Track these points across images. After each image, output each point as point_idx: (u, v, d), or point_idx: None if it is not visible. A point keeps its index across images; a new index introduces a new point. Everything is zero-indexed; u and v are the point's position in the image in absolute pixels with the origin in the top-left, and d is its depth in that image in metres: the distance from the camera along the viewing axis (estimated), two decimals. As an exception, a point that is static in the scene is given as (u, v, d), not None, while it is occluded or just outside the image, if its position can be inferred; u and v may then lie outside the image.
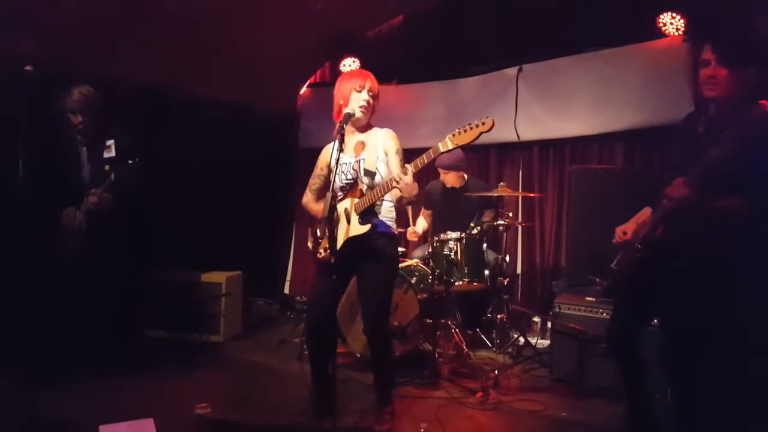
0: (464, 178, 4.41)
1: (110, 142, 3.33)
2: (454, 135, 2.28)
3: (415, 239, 4.50)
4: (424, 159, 2.35)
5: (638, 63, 4.34)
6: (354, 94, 2.62)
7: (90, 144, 3.42)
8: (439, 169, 4.31)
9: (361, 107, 2.61)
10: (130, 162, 3.18)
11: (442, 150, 2.30)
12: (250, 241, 5.31)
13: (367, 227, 2.51)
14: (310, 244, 2.72)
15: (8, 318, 3.23)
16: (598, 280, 2.63)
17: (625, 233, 2.33)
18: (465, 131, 2.26)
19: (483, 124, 2.24)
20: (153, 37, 4.13)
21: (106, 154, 3.34)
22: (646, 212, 2.35)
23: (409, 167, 2.36)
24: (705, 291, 2.07)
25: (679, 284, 2.14)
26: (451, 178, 4.33)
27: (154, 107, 4.31)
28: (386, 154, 2.64)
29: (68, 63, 3.66)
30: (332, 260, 2.42)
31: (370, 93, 2.63)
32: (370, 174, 2.59)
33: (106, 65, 3.53)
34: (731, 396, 2.39)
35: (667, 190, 2.04)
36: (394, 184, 2.39)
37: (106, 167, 3.26)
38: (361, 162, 2.63)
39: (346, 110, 2.59)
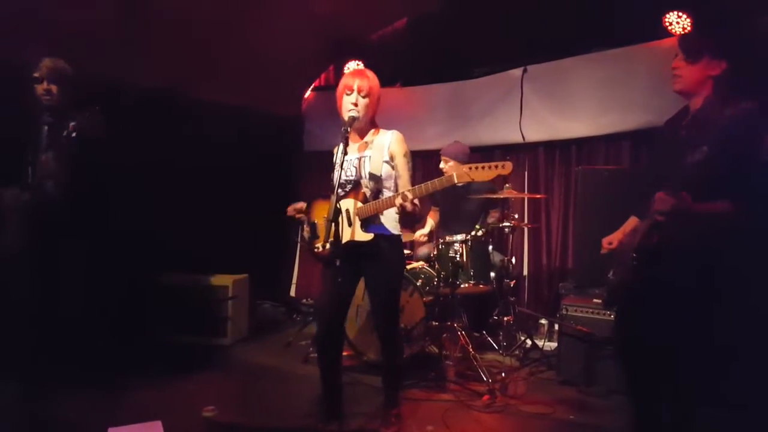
0: None
1: (73, 124, 2.99)
2: (471, 168, 2.30)
3: (424, 240, 4.49)
4: (437, 185, 2.36)
5: (644, 63, 4.31)
6: (344, 98, 2.61)
7: (54, 122, 3.08)
8: (443, 157, 4.29)
9: (350, 111, 2.57)
10: (89, 113, 2.90)
11: (456, 182, 2.32)
12: (256, 243, 5.33)
13: (369, 236, 2.52)
14: (306, 235, 2.72)
15: (17, 320, 3.26)
16: (597, 291, 2.65)
17: (610, 243, 2.42)
18: (483, 168, 2.29)
19: (503, 167, 2.27)
20: (158, 41, 4.16)
21: (66, 134, 3.01)
22: (632, 222, 2.43)
23: (408, 194, 2.38)
24: (702, 295, 2.11)
25: (676, 289, 2.14)
26: (450, 170, 4.31)
27: (160, 111, 4.34)
28: (393, 158, 2.63)
29: (73, 67, 3.70)
30: (337, 263, 2.42)
31: (360, 93, 2.59)
32: (375, 178, 2.59)
33: (111, 69, 3.54)
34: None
35: (655, 207, 2.04)
36: (397, 210, 2.42)
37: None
38: (364, 160, 2.62)
39: (349, 114, 2.57)
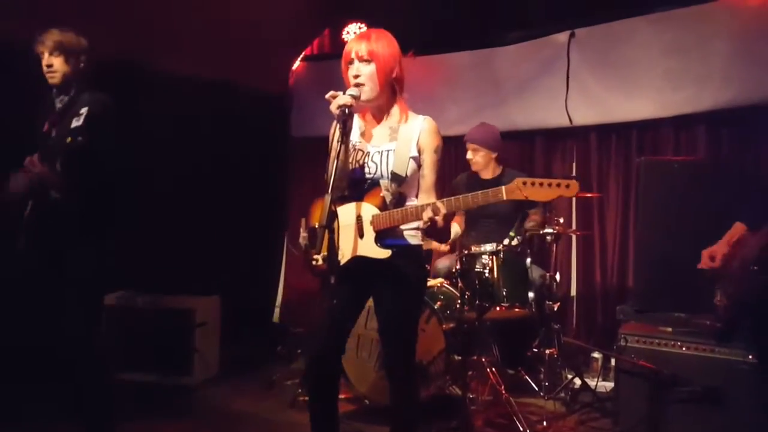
0: (498, 166, 4.39)
1: (83, 110, 3.14)
2: (525, 183, 2.27)
3: (445, 250, 4.48)
4: (479, 199, 2.35)
5: (725, 25, 4.30)
6: (348, 73, 2.56)
7: (63, 103, 3.27)
8: (469, 145, 4.30)
9: (353, 85, 2.51)
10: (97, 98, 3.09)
11: (505, 197, 2.30)
12: (231, 256, 5.36)
13: (387, 253, 2.47)
14: (302, 241, 2.67)
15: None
16: (708, 323, 2.60)
17: (713, 259, 2.39)
18: (542, 185, 2.26)
19: (567, 187, 2.25)
20: (115, 3, 4.17)
21: (74, 123, 3.15)
22: (738, 229, 2.41)
23: (441, 207, 2.35)
24: None
25: None
26: (479, 159, 4.29)
27: (117, 86, 4.35)
28: (420, 152, 2.57)
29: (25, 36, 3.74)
30: (332, 280, 2.40)
31: (362, 61, 2.51)
32: (398, 178, 2.53)
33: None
34: None
35: None
36: (424, 224, 2.41)
37: (68, 139, 3.11)
38: (387, 155, 2.56)
39: (339, 103, 2.47)
